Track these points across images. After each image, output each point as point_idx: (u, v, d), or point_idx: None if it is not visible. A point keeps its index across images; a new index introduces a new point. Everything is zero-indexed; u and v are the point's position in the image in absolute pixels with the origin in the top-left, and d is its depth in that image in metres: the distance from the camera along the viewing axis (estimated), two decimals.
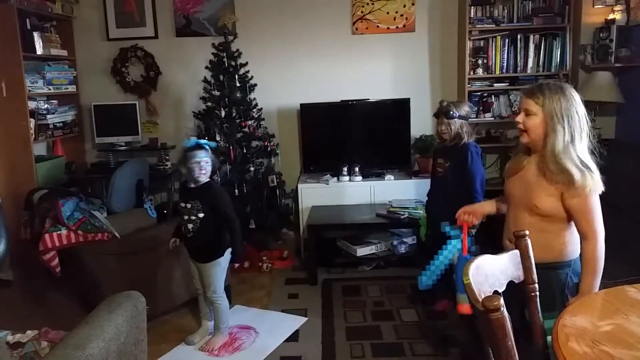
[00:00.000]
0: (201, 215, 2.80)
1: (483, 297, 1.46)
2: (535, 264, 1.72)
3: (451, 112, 3.02)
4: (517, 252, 1.71)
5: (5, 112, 3.88)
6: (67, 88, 4.50)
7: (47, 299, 3.55)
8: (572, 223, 1.93)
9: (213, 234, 2.86)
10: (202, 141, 2.81)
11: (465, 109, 3.08)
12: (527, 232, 1.72)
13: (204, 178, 2.81)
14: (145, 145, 4.67)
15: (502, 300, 1.25)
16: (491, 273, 1.60)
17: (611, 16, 4.03)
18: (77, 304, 3.38)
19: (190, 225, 2.83)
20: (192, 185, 2.83)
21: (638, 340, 1.41)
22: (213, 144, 2.93)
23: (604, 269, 1.89)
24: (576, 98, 1.93)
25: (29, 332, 2.81)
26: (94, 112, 4.56)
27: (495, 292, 1.59)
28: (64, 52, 4.49)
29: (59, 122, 4.38)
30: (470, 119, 3.14)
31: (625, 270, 2.78)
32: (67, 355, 1.63)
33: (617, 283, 2.05)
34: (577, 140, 1.89)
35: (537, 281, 1.72)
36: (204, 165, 2.76)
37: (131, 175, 3.80)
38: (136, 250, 3.10)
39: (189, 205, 2.81)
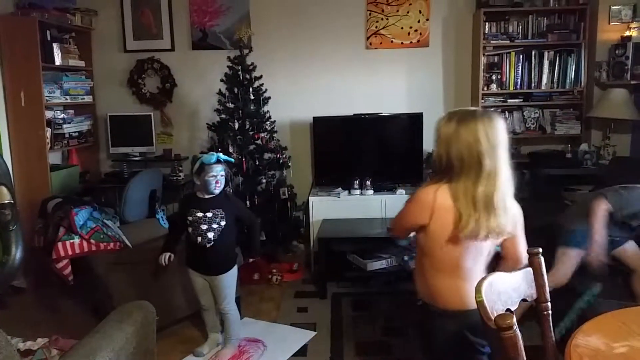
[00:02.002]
0: (223, 223, 2.80)
1: (496, 315, 1.45)
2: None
3: None
4: (530, 270, 1.69)
5: (23, 121, 3.94)
6: (84, 98, 4.56)
7: (59, 307, 3.57)
8: None
9: (230, 242, 2.89)
10: (222, 156, 2.82)
11: None
12: (540, 250, 1.70)
13: (218, 191, 2.82)
14: (159, 156, 4.71)
15: (514, 319, 1.23)
16: (504, 290, 1.58)
17: (627, 33, 4.01)
18: (88, 312, 3.39)
19: (210, 235, 2.78)
20: (206, 196, 2.82)
21: None
22: (232, 159, 2.94)
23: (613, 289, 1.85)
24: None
25: (39, 339, 2.84)
26: (110, 122, 4.61)
27: (508, 310, 1.57)
28: (82, 63, 4.56)
29: (74, 132, 4.44)
30: None
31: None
32: None
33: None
34: None
35: (550, 299, 1.70)
36: (219, 179, 2.78)
37: (144, 186, 3.83)
38: (148, 260, 3.10)
39: (209, 214, 2.78)
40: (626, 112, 3.92)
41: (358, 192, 4.30)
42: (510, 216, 1.72)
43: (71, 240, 2.98)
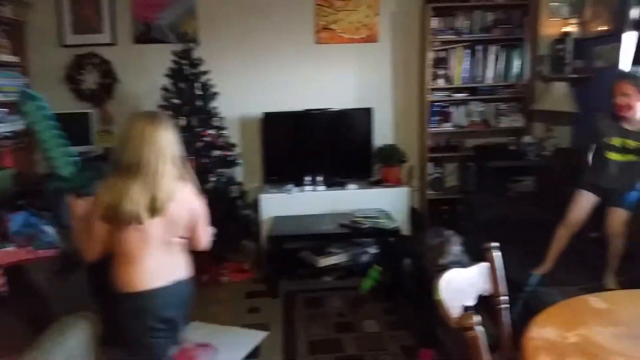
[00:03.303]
0: None
1: (455, 313, 1.44)
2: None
3: None
4: (486, 264, 1.70)
5: None
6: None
7: None
8: None
9: None
10: None
11: None
12: (495, 245, 1.71)
13: None
14: (100, 155, 4.48)
15: (477, 318, 1.22)
16: (461, 288, 1.58)
17: (566, 29, 4.14)
18: (25, 326, 3.19)
19: None
20: None
21: (603, 351, 1.42)
22: None
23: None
24: None
25: None
26: None
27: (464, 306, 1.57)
28: (15, 58, 4.27)
29: (8, 132, 4.16)
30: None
31: (578, 278, 2.85)
32: None
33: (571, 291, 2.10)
34: None
35: (505, 293, 1.72)
36: None
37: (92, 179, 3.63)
38: (88, 267, 2.95)
39: None
40: (566, 104, 4.05)
41: (309, 188, 4.27)
42: (181, 209, 1.98)
43: (5, 248, 2.78)
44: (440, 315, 1.42)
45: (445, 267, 1.84)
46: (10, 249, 2.74)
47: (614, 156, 2.92)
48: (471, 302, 1.62)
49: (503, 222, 3.37)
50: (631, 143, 2.84)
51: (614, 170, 2.92)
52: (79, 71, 4.50)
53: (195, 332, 3.17)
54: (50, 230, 2.96)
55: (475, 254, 1.84)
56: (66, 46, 4.48)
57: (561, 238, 3.01)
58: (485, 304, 1.71)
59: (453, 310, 1.46)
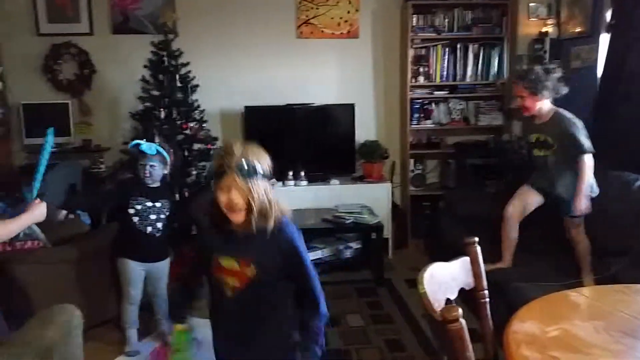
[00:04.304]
0: (168, 213, 2.87)
1: (437, 306, 1.47)
2: None
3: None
4: (467, 259, 1.73)
5: None
6: None
7: None
8: None
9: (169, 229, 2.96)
10: (162, 150, 2.82)
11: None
12: (477, 239, 1.74)
13: (149, 181, 2.81)
14: (78, 147, 4.41)
15: (460, 311, 1.25)
16: (444, 281, 1.61)
17: (544, 29, 4.22)
18: (4, 317, 3.14)
19: (159, 224, 2.83)
20: (154, 185, 2.83)
21: (583, 345, 1.46)
22: (166, 155, 2.85)
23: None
24: None
25: None
26: (23, 111, 4.27)
27: (448, 299, 1.60)
28: None
29: None
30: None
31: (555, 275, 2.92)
32: None
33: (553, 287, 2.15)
34: None
35: (486, 287, 1.75)
36: (149, 170, 2.79)
37: (62, 179, 3.57)
38: (69, 259, 2.91)
39: (158, 204, 2.82)
40: None
41: (292, 182, 4.27)
42: None
43: None
44: (424, 308, 1.44)
45: None
46: None
47: (536, 152, 3.09)
48: (453, 296, 1.65)
49: (482, 218, 3.42)
50: (541, 136, 3.01)
51: (540, 165, 3.07)
52: (55, 61, 4.41)
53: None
54: None
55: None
56: (42, 35, 4.39)
57: (505, 233, 3.12)
58: (465, 298, 1.74)
59: (436, 303, 1.49)
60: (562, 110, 2.97)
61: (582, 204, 2.87)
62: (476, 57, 4.54)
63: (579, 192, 2.86)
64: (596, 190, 2.98)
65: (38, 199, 2.22)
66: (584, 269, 2.95)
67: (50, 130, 2.49)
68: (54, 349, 1.79)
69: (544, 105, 2.96)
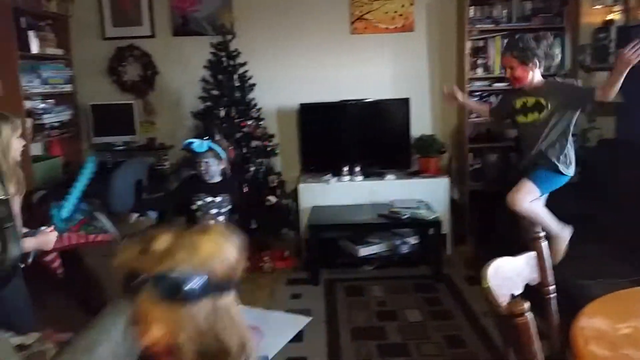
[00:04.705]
0: (229, 207, 2.97)
1: (502, 301, 1.46)
2: None
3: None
4: (533, 254, 1.71)
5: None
6: (64, 87, 4.43)
7: (48, 301, 3.49)
8: None
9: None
10: (214, 145, 2.92)
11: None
12: (543, 234, 1.72)
13: (208, 177, 2.92)
14: (143, 145, 4.62)
15: (527, 305, 1.24)
16: (508, 276, 1.60)
17: (610, 16, 4.04)
18: (78, 305, 3.34)
19: (221, 218, 2.94)
20: (214, 181, 2.93)
21: None
22: (220, 152, 2.93)
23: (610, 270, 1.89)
24: None
25: (32, 334, 2.77)
26: (92, 111, 4.51)
27: (512, 295, 1.59)
28: (60, 51, 4.42)
29: (55, 122, 4.32)
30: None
31: (628, 270, 2.79)
32: (76, 359, 1.61)
33: (620, 283, 2.07)
34: None
35: (553, 283, 1.72)
36: (205, 166, 2.90)
37: (130, 176, 3.76)
38: None
39: (218, 199, 2.92)
40: None
41: (347, 178, 4.29)
42: None
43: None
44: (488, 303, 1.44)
45: None
46: (64, 234, 2.86)
47: (520, 119, 3.00)
48: (518, 291, 1.63)
49: None
50: (530, 100, 2.91)
51: (525, 134, 3.01)
52: (120, 63, 4.62)
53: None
54: (100, 215, 3.08)
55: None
56: (107, 39, 4.61)
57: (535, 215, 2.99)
58: (529, 294, 1.72)
59: (500, 298, 1.48)
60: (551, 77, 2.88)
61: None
62: None
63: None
64: (571, 172, 2.92)
65: (52, 227, 2.23)
66: (551, 234, 2.82)
67: (92, 159, 2.61)
68: (127, 336, 1.89)
69: (536, 75, 2.88)
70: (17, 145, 2.07)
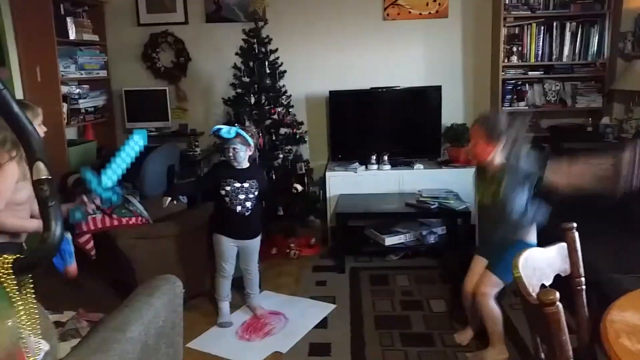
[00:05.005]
0: (257, 193, 3.00)
1: (532, 291, 1.44)
2: None
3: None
4: (564, 245, 1.67)
5: (39, 97, 3.91)
6: (98, 73, 4.53)
7: (82, 282, 3.59)
8: None
9: (260, 209, 3.14)
10: (241, 132, 2.92)
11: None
12: (574, 225, 1.68)
13: (236, 163, 2.95)
14: (175, 131, 4.69)
15: (557, 294, 1.22)
16: (539, 266, 1.57)
17: None
18: (110, 286, 3.43)
19: (249, 204, 2.98)
20: (243, 166, 2.97)
21: None
22: (249, 138, 2.95)
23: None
24: None
25: (67, 312, 2.88)
26: (125, 97, 4.59)
27: (542, 285, 1.56)
28: (96, 37, 4.52)
29: (90, 107, 4.42)
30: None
31: None
32: (109, 337, 1.65)
33: None
34: None
35: (583, 274, 1.68)
36: (232, 152, 2.92)
37: (163, 161, 3.82)
38: (169, 234, 3.13)
39: (246, 185, 2.96)
40: None
41: (375, 167, 4.27)
42: None
43: (93, 216, 2.98)
44: (519, 292, 1.42)
45: None
46: (98, 216, 2.94)
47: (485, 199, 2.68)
48: (548, 282, 1.60)
49: (578, 205, 3.25)
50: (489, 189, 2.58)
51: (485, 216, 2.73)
52: (154, 50, 4.68)
53: (267, 301, 3.32)
54: (133, 199, 3.14)
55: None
56: (142, 25, 4.67)
57: (467, 305, 2.75)
58: (559, 286, 1.69)
59: (530, 287, 1.46)
60: (511, 162, 2.51)
61: None
62: (574, 35, 4.27)
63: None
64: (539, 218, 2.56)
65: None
66: (491, 339, 2.59)
67: (142, 132, 2.42)
68: (160, 316, 1.94)
69: (497, 157, 2.53)
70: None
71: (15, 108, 1.12)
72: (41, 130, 2.15)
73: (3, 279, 1.14)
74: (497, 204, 2.50)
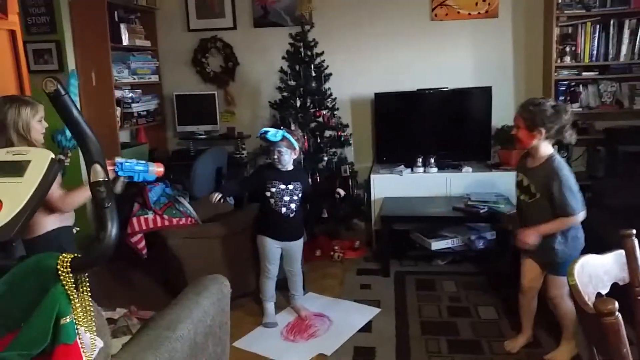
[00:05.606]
0: (301, 195, 3.05)
1: (587, 300, 1.38)
2: None
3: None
4: (622, 252, 1.60)
5: (94, 101, 4.08)
6: (150, 78, 4.67)
7: (132, 280, 3.72)
8: None
9: (303, 210, 3.18)
10: (287, 135, 2.97)
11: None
12: (634, 232, 1.60)
13: (281, 166, 3.00)
14: (223, 134, 4.78)
15: (616, 304, 1.16)
16: (595, 274, 1.50)
17: None
18: (160, 285, 3.53)
19: (293, 205, 3.03)
20: (288, 169, 3.02)
21: None
22: (294, 142, 2.98)
23: None
24: None
25: (118, 309, 2.97)
26: (176, 101, 4.71)
27: (598, 293, 1.50)
28: (148, 43, 4.66)
29: (142, 111, 4.57)
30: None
31: None
32: (160, 335, 1.69)
33: None
34: None
35: None
36: (277, 155, 2.97)
37: (211, 163, 3.89)
38: (216, 235, 3.19)
39: (291, 187, 3.01)
40: None
41: (421, 169, 4.21)
42: None
43: (145, 216, 3.08)
44: (575, 300, 1.36)
45: None
46: (150, 216, 3.03)
47: (518, 193, 2.64)
48: (605, 290, 1.53)
49: (635, 211, 3.11)
50: (524, 180, 2.55)
51: (521, 210, 2.63)
52: (203, 54, 4.79)
53: (312, 302, 3.33)
54: (183, 200, 3.22)
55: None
56: (192, 30, 4.79)
57: (523, 306, 2.77)
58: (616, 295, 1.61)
59: (586, 296, 1.40)
60: (558, 161, 2.44)
61: (528, 237, 2.49)
62: (633, 33, 4.08)
63: (537, 229, 2.46)
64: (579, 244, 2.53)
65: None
66: (564, 334, 2.60)
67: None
68: (208, 315, 1.97)
69: (541, 145, 2.46)
70: (37, 127, 2.20)
71: (76, 113, 1.17)
72: (42, 126, 2.21)
73: (62, 277, 1.19)
74: (538, 201, 2.49)
